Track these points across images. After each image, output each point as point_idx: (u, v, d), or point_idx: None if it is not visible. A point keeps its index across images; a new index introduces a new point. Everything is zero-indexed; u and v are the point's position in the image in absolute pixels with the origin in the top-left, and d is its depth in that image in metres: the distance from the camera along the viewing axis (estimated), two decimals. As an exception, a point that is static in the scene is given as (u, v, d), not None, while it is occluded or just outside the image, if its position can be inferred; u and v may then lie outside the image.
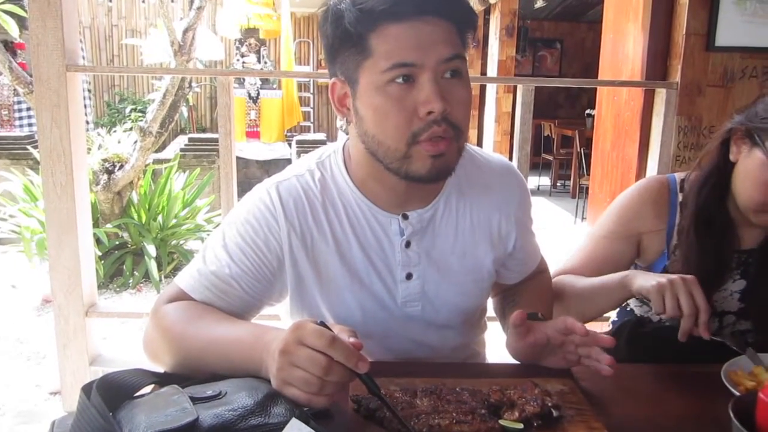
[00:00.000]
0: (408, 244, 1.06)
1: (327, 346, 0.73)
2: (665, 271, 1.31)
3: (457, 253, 1.09)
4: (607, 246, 1.35)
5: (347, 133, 1.00)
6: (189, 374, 0.91)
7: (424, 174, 0.94)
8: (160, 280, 4.07)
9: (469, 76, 0.97)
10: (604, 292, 1.22)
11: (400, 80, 0.90)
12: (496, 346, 1.32)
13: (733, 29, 2.38)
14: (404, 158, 0.94)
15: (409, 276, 1.07)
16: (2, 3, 3.89)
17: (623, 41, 2.74)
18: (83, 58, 7.45)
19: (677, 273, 1.26)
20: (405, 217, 1.05)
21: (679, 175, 1.36)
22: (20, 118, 7.18)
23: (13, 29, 3.85)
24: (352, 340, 0.76)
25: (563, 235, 5.67)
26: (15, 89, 5.31)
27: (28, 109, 6.98)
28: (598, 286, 1.23)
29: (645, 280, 1.11)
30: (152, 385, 0.87)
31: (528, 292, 1.23)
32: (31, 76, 2.51)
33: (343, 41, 0.93)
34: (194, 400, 0.72)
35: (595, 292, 1.24)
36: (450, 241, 1.09)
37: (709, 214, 1.26)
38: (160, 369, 0.96)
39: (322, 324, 0.77)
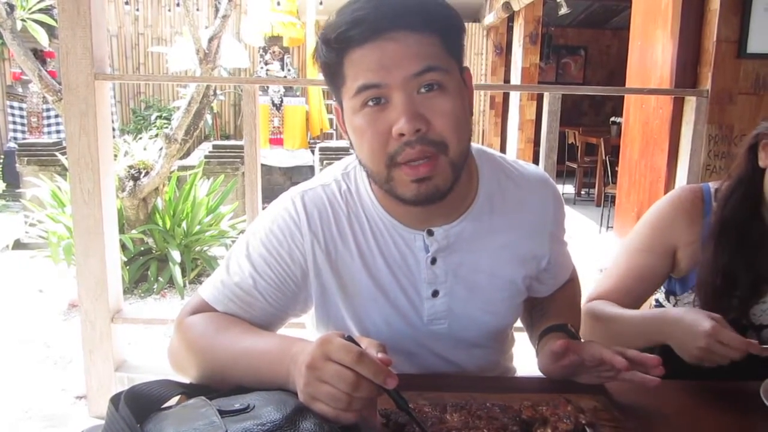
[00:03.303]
0: (434, 261, 1.02)
1: (354, 362, 0.71)
2: None
3: (486, 271, 1.05)
4: (642, 261, 1.31)
5: None
6: (215, 386, 0.90)
7: (411, 198, 0.91)
8: (184, 285, 4.10)
9: (457, 85, 0.91)
10: (641, 338, 1.19)
11: (371, 103, 0.89)
12: (524, 357, 1.30)
13: (765, 36, 2.33)
14: (388, 181, 0.91)
15: (435, 293, 1.04)
16: (32, 12, 3.97)
17: (652, 48, 2.70)
18: (110, 66, 7.55)
19: (708, 285, 1.22)
20: (430, 233, 1.02)
21: (713, 185, 1.32)
22: (48, 125, 7.32)
23: (42, 38, 3.92)
24: (380, 355, 0.74)
25: (588, 244, 5.60)
26: (44, 97, 5.40)
27: (56, 116, 7.13)
28: (634, 333, 1.20)
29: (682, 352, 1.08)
30: (179, 396, 0.86)
31: (557, 302, 1.20)
32: (60, 84, 2.55)
33: (324, 72, 0.95)
34: (222, 413, 0.71)
35: (632, 335, 1.20)
36: (478, 259, 1.05)
37: (740, 224, 1.22)
38: (186, 380, 0.95)
39: (349, 338, 0.75)
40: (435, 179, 0.90)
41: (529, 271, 1.10)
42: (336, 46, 0.89)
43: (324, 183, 1.05)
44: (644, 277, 1.30)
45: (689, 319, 1.08)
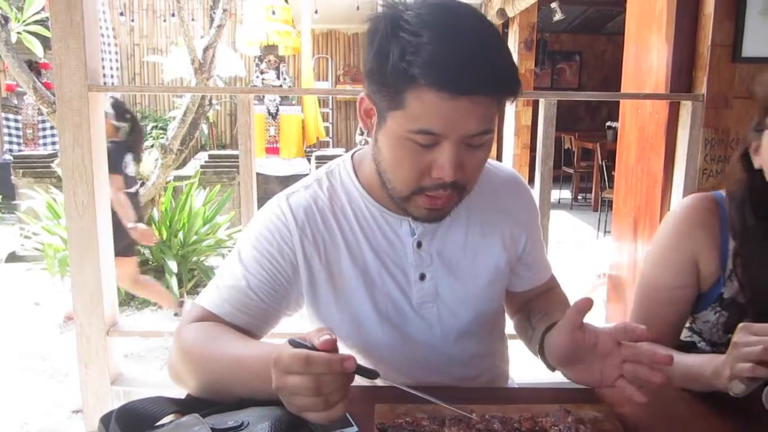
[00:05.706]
0: (419, 244, 1.06)
1: (305, 367, 0.71)
2: (721, 297, 1.20)
3: (469, 254, 1.10)
4: (671, 291, 1.22)
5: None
6: (212, 397, 0.89)
7: (420, 218, 1.00)
8: (181, 296, 4.08)
9: (493, 136, 0.95)
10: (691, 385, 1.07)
11: (421, 141, 0.89)
12: (520, 366, 1.29)
13: (760, 39, 2.32)
14: (405, 199, 0.97)
15: (422, 276, 1.07)
16: (28, 24, 3.96)
17: (646, 53, 2.70)
18: (112, 76, 7.53)
19: (741, 298, 1.17)
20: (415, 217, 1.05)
21: (723, 192, 1.24)
22: (44, 137, 7.32)
23: (37, 49, 3.92)
24: (323, 339, 0.73)
25: (586, 249, 5.60)
26: (39, 109, 5.39)
27: (52, 128, 7.12)
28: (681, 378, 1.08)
29: (720, 374, 0.96)
30: (172, 414, 0.85)
31: (555, 303, 1.19)
32: (54, 95, 2.54)
33: (380, 79, 0.89)
34: (215, 431, 0.69)
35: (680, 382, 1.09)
36: (461, 241, 1.09)
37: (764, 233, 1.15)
38: (182, 394, 0.94)
39: (295, 342, 0.75)
40: (446, 209, 0.99)
41: (510, 255, 1.14)
42: (418, 79, 0.84)
43: (305, 185, 1.10)
44: (677, 302, 1.22)
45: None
